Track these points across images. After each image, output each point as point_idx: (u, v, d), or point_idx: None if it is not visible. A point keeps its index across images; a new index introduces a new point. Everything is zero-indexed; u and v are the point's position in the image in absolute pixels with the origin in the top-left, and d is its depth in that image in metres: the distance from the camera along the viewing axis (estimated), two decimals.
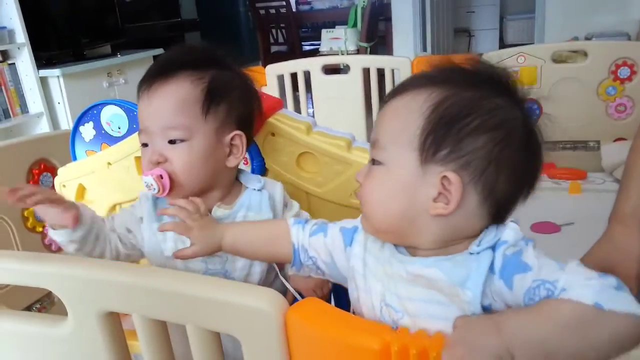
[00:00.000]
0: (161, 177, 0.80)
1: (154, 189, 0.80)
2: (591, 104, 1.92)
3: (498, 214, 0.58)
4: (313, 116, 2.10)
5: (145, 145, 0.84)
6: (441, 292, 0.57)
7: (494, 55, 2.03)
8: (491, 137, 0.56)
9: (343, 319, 0.56)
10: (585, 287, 0.47)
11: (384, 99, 0.64)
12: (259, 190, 0.87)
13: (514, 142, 0.57)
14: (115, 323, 0.68)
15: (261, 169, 1.08)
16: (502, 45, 5.67)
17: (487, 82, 0.59)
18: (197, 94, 0.82)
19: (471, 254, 0.57)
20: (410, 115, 0.58)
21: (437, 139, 0.56)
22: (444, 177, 0.56)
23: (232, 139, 0.84)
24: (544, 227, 1.60)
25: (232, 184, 0.89)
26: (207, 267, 0.85)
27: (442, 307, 0.56)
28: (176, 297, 0.61)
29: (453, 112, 0.56)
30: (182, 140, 0.81)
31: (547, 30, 3.76)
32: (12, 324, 0.74)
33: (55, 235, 0.82)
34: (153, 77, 0.83)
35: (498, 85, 0.59)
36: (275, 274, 0.90)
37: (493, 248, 0.56)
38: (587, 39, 3.27)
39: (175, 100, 0.81)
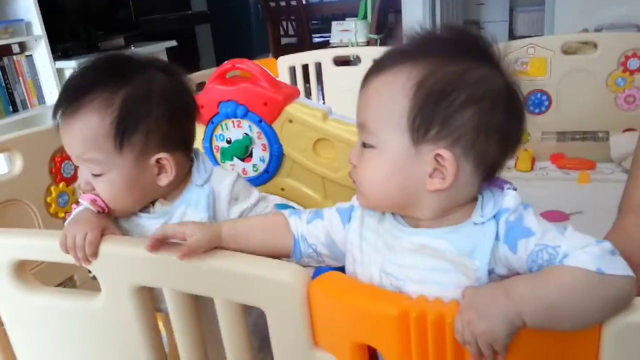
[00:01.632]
0: (95, 201, 0.77)
1: (92, 209, 0.77)
2: (600, 95, 1.94)
3: (488, 176, 0.61)
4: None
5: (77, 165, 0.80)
6: (446, 260, 0.59)
7: (503, 47, 2.05)
8: (478, 109, 0.57)
9: (362, 289, 0.61)
10: (586, 254, 0.51)
11: (363, 78, 0.63)
12: (200, 185, 0.81)
13: (499, 108, 0.58)
14: (146, 297, 0.73)
15: (279, 155, 1.12)
16: (512, 37, 5.65)
17: (465, 50, 0.60)
18: (106, 128, 0.73)
19: (475, 224, 0.59)
20: (394, 97, 0.58)
21: (425, 120, 0.57)
22: (437, 154, 0.58)
23: (157, 160, 0.77)
24: (553, 216, 1.62)
25: (176, 185, 0.81)
26: None
27: (446, 275, 0.59)
28: (205, 271, 0.65)
29: (437, 89, 0.57)
30: (99, 174, 0.76)
31: (556, 22, 3.76)
32: (49, 299, 0.79)
33: None
34: (61, 106, 0.75)
35: (476, 52, 0.60)
36: None
37: (495, 216, 0.58)
38: (597, 30, 3.26)
39: (83, 138, 0.74)
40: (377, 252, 0.65)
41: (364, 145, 0.63)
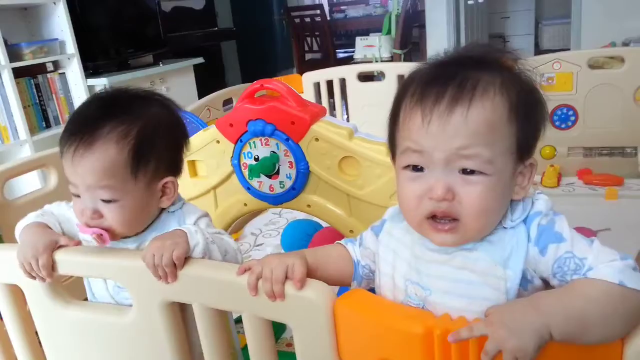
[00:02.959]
0: (100, 235, 0.78)
1: (95, 244, 0.79)
2: (628, 110, 1.92)
3: None
4: (348, 122, 2.16)
5: (75, 195, 0.81)
6: (475, 273, 0.61)
7: (529, 61, 2.04)
8: (543, 111, 0.63)
9: (387, 307, 0.62)
10: (609, 267, 0.54)
11: (438, 106, 0.59)
12: (172, 212, 0.86)
13: (544, 106, 0.64)
14: (175, 312, 0.75)
15: (305, 172, 1.14)
16: (538, 50, 5.62)
17: (495, 59, 0.63)
18: (124, 157, 0.78)
19: (505, 228, 0.61)
20: (502, 123, 0.59)
21: (529, 136, 0.61)
22: (530, 163, 0.62)
23: (164, 184, 0.83)
24: (580, 233, 1.60)
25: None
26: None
27: (473, 287, 0.60)
28: (234, 287, 0.67)
29: (527, 109, 0.60)
30: (113, 200, 0.79)
31: (583, 35, 3.73)
32: (82, 312, 0.82)
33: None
34: (76, 137, 0.78)
35: (500, 58, 0.64)
36: None
37: (524, 221, 0.61)
38: (624, 44, 3.23)
39: (102, 166, 0.77)
40: (402, 262, 0.67)
41: (471, 172, 0.59)
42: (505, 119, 0.59)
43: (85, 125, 0.79)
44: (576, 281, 0.55)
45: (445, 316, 0.56)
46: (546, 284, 0.61)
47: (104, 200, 0.79)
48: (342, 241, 0.78)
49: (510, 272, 0.59)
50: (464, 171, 0.59)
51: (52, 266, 0.77)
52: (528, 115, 0.61)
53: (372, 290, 0.73)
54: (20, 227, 0.84)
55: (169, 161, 0.85)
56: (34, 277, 0.79)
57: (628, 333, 0.52)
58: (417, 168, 0.61)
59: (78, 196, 0.80)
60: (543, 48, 5.53)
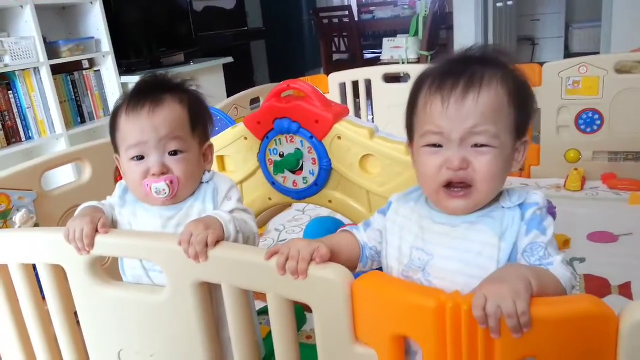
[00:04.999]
0: (171, 182, 0.89)
1: (165, 193, 0.89)
2: None
3: None
4: (372, 122, 2.20)
5: (138, 158, 0.90)
6: (474, 242, 0.71)
7: (555, 65, 2.06)
8: (532, 101, 0.77)
9: (402, 285, 0.68)
10: (561, 271, 0.68)
11: (454, 92, 0.71)
12: (206, 182, 0.97)
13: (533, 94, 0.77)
14: (205, 292, 0.81)
15: (328, 169, 1.19)
16: (567, 53, 5.56)
17: (494, 59, 0.75)
18: (185, 114, 0.93)
19: (503, 207, 0.73)
20: (504, 106, 0.72)
21: (524, 118, 0.74)
22: (525, 141, 0.75)
23: (206, 148, 0.98)
24: (601, 237, 1.61)
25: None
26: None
27: (469, 254, 0.71)
28: (260, 268, 0.72)
29: (523, 96, 0.74)
30: (180, 151, 0.91)
31: (613, 38, 3.69)
32: (119, 291, 0.88)
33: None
34: (146, 99, 0.91)
35: (498, 58, 0.75)
36: None
37: (519, 205, 0.72)
38: None
39: (172, 117, 0.91)
40: (409, 233, 0.77)
41: (481, 145, 0.71)
42: (505, 103, 0.72)
43: (149, 93, 0.92)
44: (542, 268, 0.68)
45: (455, 292, 0.61)
46: None
47: (171, 154, 0.90)
48: (347, 228, 0.86)
49: (504, 244, 0.71)
50: (476, 145, 0.71)
51: (93, 238, 0.84)
52: (521, 103, 0.74)
53: (376, 269, 0.80)
54: (79, 208, 0.95)
55: (206, 127, 0.99)
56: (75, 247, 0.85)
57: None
58: (435, 145, 0.73)
59: (141, 158, 0.90)
60: (573, 51, 5.47)
